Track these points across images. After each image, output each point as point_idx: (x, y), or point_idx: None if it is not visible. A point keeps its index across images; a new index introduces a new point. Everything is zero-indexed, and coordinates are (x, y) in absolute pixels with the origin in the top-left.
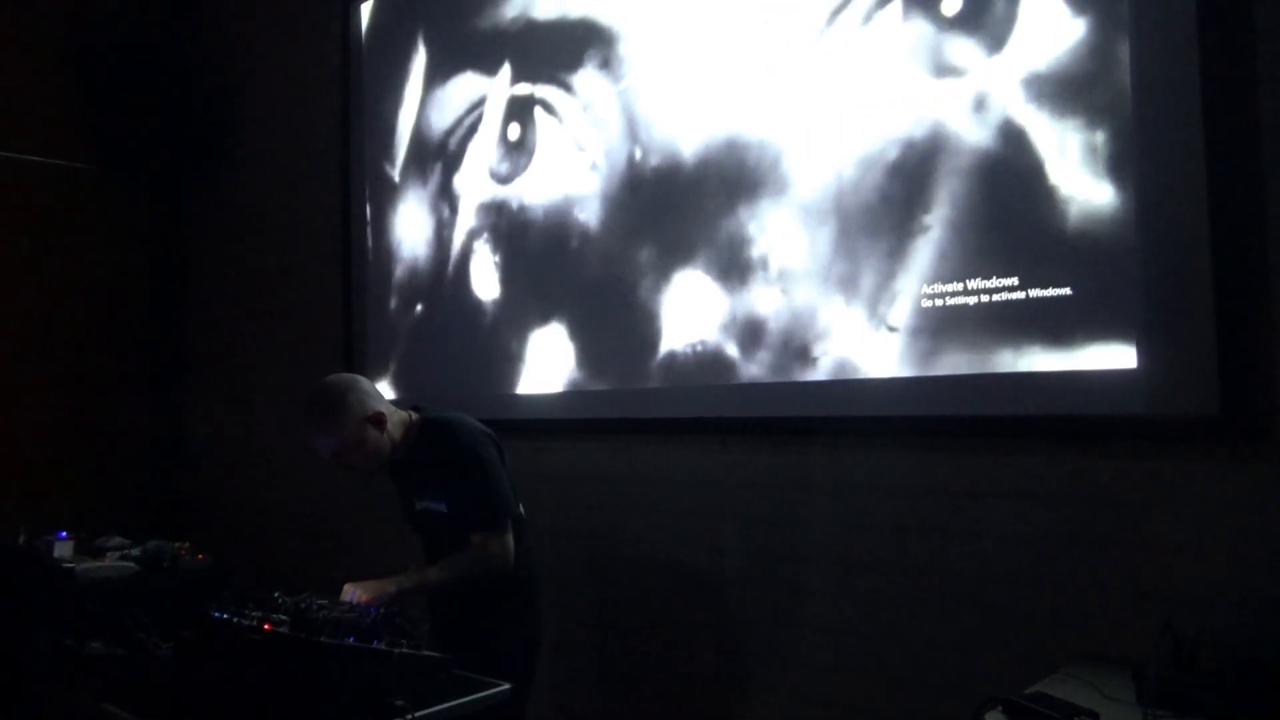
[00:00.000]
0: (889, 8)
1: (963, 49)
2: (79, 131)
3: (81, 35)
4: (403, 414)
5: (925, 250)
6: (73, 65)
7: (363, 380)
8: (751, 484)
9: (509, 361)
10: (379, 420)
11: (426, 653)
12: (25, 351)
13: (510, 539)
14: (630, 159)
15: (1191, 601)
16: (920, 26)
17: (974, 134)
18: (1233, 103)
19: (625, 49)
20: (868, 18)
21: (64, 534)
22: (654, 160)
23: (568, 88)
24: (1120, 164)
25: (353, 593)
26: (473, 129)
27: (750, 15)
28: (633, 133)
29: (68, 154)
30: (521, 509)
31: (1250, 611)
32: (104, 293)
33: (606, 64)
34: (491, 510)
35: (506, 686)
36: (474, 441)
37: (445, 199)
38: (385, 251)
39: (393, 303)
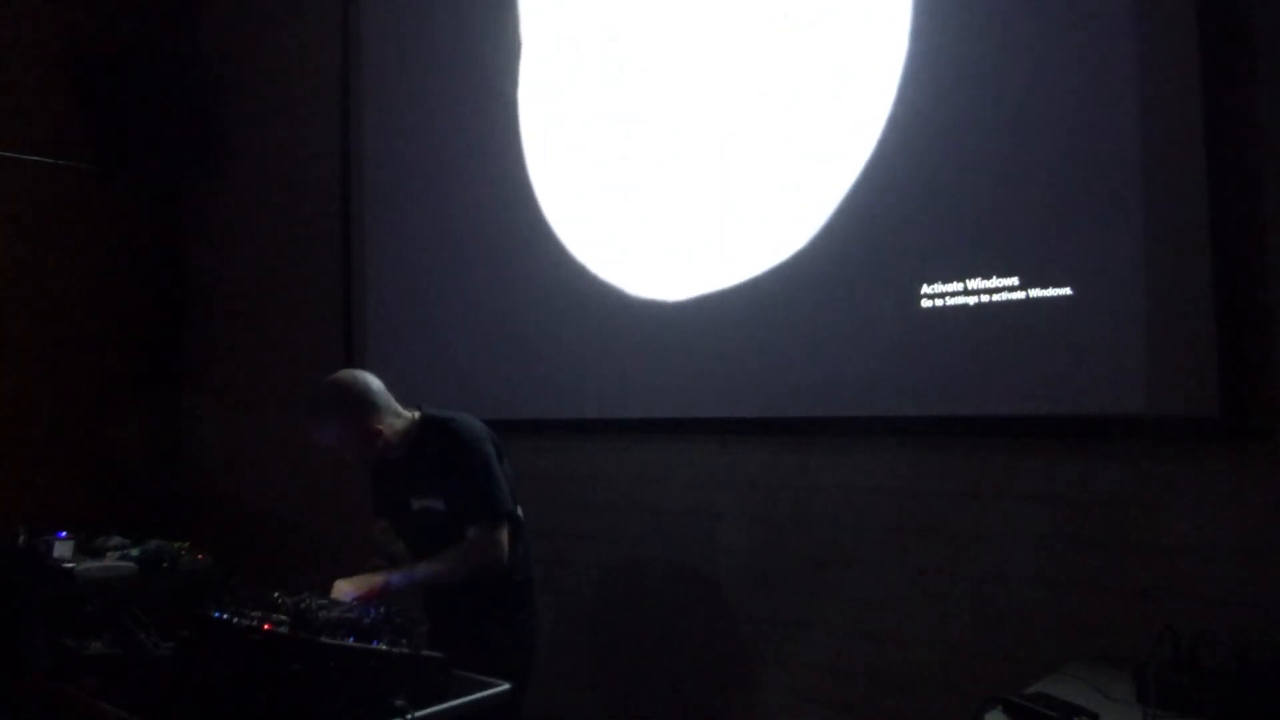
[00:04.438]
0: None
1: (969, 52)
2: (79, 131)
3: (81, 35)
4: (405, 412)
5: (926, 250)
6: (73, 65)
7: (372, 379)
8: (751, 484)
9: (510, 362)
10: (379, 421)
11: (426, 653)
12: (25, 351)
13: (505, 535)
14: (637, 157)
15: (1191, 601)
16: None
17: (975, 133)
18: (1233, 103)
19: (633, 53)
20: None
21: (64, 534)
22: (658, 160)
23: (573, 91)
24: (1120, 164)
25: (345, 591)
26: (477, 133)
27: (757, 30)
28: (640, 131)
29: (68, 154)
30: (520, 511)
31: (1250, 611)
32: (104, 293)
33: (613, 67)
34: (489, 506)
35: (506, 687)
36: (474, 438)
37: (449, 200)
38: (386, 252)
39: (393, 304)
